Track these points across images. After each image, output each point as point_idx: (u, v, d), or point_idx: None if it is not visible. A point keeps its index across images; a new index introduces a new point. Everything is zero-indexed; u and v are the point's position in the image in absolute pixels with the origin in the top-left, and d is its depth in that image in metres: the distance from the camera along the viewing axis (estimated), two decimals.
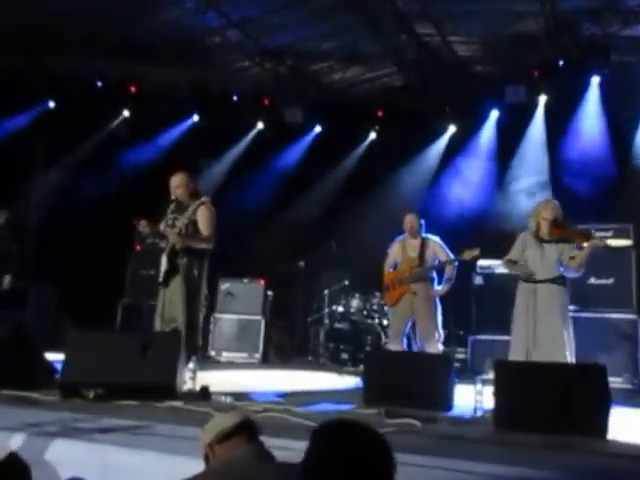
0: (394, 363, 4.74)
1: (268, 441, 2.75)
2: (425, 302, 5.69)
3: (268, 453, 1.90)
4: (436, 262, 5.82)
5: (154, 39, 7.53)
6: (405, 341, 5.87)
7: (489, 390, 3.95)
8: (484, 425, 3.91)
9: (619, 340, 6.11)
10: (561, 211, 4.91)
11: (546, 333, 4.62)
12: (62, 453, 3.02)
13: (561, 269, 4.84)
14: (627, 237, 6.51)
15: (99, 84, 8.52)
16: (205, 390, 4.64)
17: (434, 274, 5.86)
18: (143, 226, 5.13)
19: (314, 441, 1.41)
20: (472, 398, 4.26)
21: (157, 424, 3.57)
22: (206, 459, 1.95)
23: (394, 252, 5.97)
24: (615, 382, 5.73)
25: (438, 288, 5.79)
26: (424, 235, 5.87)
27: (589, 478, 2.99)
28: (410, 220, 5.84)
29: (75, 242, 8.08)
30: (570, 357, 4.67)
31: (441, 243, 5.84)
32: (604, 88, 7.75)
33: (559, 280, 4.79)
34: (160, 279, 5.11)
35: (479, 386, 4.19)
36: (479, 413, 4.17)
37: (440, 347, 5.70)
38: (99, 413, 3.77)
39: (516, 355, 4.73)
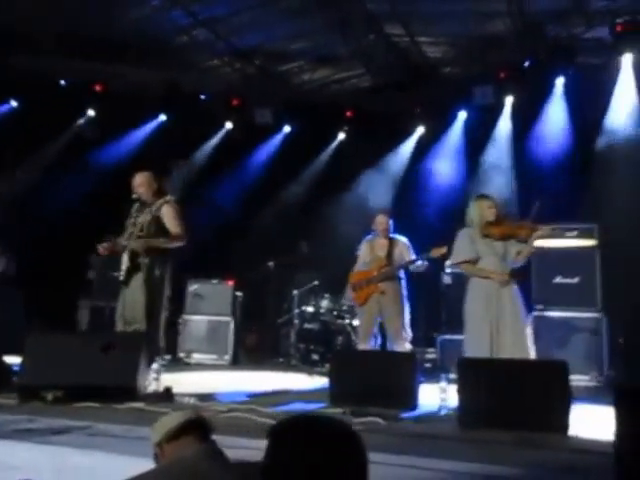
0: (360, 362, 4.74)
1: (231, 441, 2.71)
2: (393, 301, 5.69)
3: (220, 452, 1.85)
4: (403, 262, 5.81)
5: (120, 38, 7.42)
6: (374, 341, 5.85)
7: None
8: (448, 423, 3.93)
9: (584, 338, 6.18)
10: (501, 207, 4.87)
11: (511, 331, 4.57)
12: (17, 456, 2.99)
13: (510, 264, 4.80)
14: (592, 237, 6.60)
15: (62, 83, 8.33)
16: (168, 391, 4.60)
17: (402, 274, 5.86)
18: (104, 249, 5.04)
19: (271, 440, 1.34)
20: (438, 397, 4.27)
21: (115, 425, 3.52)
22: (155, 459, 1.90)
23: (363, 253, 5.97)
24: (581, 380, 5.82)
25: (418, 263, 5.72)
26: (392, 235, 5.89)
27: (550, 473, 3.02)
28: (382, 220, 5.85)
29: (42, 244, 7.90)
30: (532, 352, 4.64)
31: (408, 244, 5.85)
32: (569, 89, 7.86)
33: (514, 274, 4.75)
34: (121, 278, 5.02)
35: (443, 384, 4.20)
36: (444, 411, 4.19)
37: (408, 346, 5.69)
38: (57, 415, 3.72)
39: (475, 353, 4.60)
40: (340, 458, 1.28)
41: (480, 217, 4.75)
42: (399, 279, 5.79)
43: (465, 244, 4.78)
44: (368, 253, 5.92)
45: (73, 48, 7.55)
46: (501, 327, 4.57)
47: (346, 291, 6.23)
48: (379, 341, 5.91)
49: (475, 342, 4.66)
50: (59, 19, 7.10)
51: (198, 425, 1.88)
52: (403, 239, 5.88)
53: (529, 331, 4.67)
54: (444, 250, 5.44)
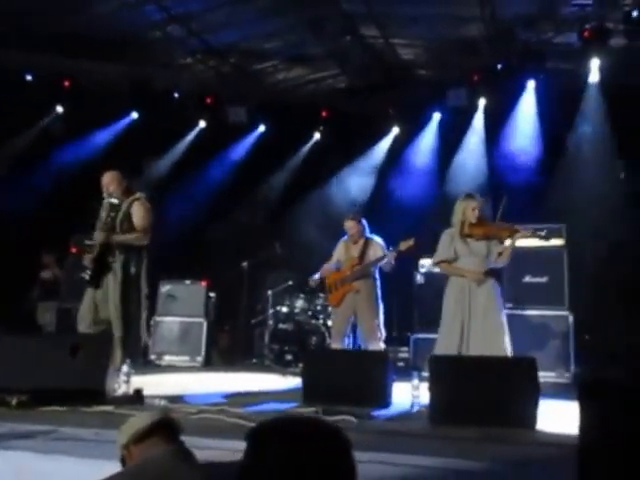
0: (332, 361, 4.74)
1: (201, 442, 2.67)
2: (367, 301, 5.71)
3: (188, 453, 1.83)
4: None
5: (90, 33, 7.26)
6: (347, 340, 5.86)
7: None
8: (420, 420, 3.95)
9: (552, 336, 6.30)
10: (484, 207, 4.90)
11: (482, 329, 4.60)
12: None
13: (490, 264, 4.86)
14: (560, 237, 6.72)
15: (29, 78, 8.14)
16: (138, 393, 4.51)
17: (376, 273, 5.87)
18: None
19: (252, 441, 1.29)
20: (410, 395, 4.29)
21: (83, 429, 3.45)
22: (122, 461, 1.87)
23: (338, 253, 6.01)
24: (549, 377, 5.92)
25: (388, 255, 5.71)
26: (368, 236, 5.91)
27: (517, 467, 3.05)
28: (350, 226, 5.87)
29: (7, 245, 7.72)
30: (509, 350, 4.63)
31: (382, 244, 5.86)
32: (540, 93, 8.00)
33: (490, 273, 4.79)
34: (87, 278, 4.93)
35: (415, 382, 4.22)
36: (416, 409, 4.21)
37: (382, 346, 5.71)
38: (21, 420, 3.63)
39: (445, 350, 4.64)
40: (326, 458, 1.25)
41: (462, 217, 4.81)
42: (373, 279, 5.81)
43: (445, 244, 4.86)
44: (343, 253, 5.96)
45: (41, 43, 7.39)
46: (473, 325, 4.60)
47: (317, 274, 6.18)
48: (351, 340, 5.92)
49: (444, 339, 4.72)
50: (26, 13, 6.94)
51: (166, 426, 1.86)
52: (377, 239, 5.91)
53: (505, 329, 4.66)
54: (411, 242, 5.54)
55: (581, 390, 2.41)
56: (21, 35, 7.22)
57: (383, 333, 5.75)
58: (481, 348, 4.51)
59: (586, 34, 6.91)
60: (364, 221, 5.94)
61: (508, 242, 4.77)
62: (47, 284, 8.04)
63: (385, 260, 5.71)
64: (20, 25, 7.09)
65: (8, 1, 6.68)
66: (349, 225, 5.87)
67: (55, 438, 3.30)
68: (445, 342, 4.68)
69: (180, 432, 1.88)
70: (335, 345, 5.83)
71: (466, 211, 4.80)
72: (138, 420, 1.87)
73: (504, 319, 4.70)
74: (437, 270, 6.89)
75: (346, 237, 5.99)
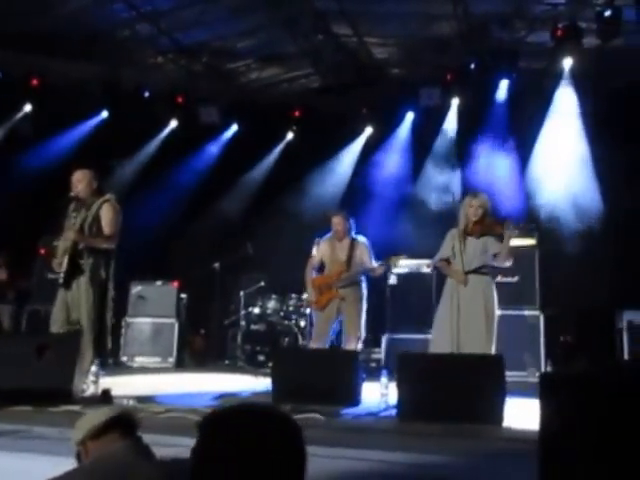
0: (302, 361, 4.74)
1: (168, 440, 2.65)
2: (353, 305, 5.54)
3: (145, 447, 1.79)
4: (363, 266, 5.60)
5: (58, 31, 7.14)
6: (327, 342, 5.70)
7: None
8: (388, 417, 3.97)
9: (524, 336, 6.35)
10: (488, 204, 4.86)
11: (469, 329, 4.59)
12: None
13: (494, 263, 4.83)
14: (531, 237, 6.80)
15: None
16: (106, 394, 4.47)
17: (363, 277, 5.67)
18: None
19: (202, 430, 1.28)
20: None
21: (49, 428, 3.41)
22: (78, 458, 1.83)
23: (321, 252, 5.69)
24: (520, 375, 5.98)
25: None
26: (353, 236, 5.64)
27: (485, 461, 3.08)
28: (337, 222, 5.60)
29: None
30: (493, 349, 4.62)
31: (368, 245, 5.64)
32: (512, 92, 8.05)
33: (481, 270, 4.76)
34: (60, 280, 4.86)
35: (384, 380, 4.24)
36: (384, 406, 4.22)
37: (360, 346, 5.61)
38: None
39: (437, 350, 4.68)
40: (274, 443, 1.24)
41: (463, 216, 4.82)
42: (360, 283, 5.61)
43: (445, 244, 4.91)
44: (327, 254, 5.66)
45: (9, 40, 7.24)
46: (461, 324, 4.59)
47: (307, 290, 5.91)
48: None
49: (436, 340, 4.75)
50: None
51: (123, 421, 1.81)
52: (363, 240, 5.66)
53: (491, 325, 4.64)
54: (402, 258, 5.61)
55: (542, 384, 2.44)
56: None
57: (363, 334, 5.61)
58: (468, 348, 4.50)
59: (559, 33, 6.92)
60: (351, 219, 5.69)
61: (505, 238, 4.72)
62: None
63: (374, 272, 5.57)
64: None
65: None
66: (336, 221, 5.59)
67: (23, 437, 3.29)
68: (437, 341, 4.71)
69: (138, 428, 1.84)
70: (315, 345, 5.63)
71: (467, 209, 4.81)
72: (94, 415, 1.82)
73: (491, 319, 4.65)
74: (413, 270, 7.01)
75: (328, 235, 5.70)
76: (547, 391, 2.43)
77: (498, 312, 4.78)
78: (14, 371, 4.20)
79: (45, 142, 8.36)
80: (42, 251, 7.73)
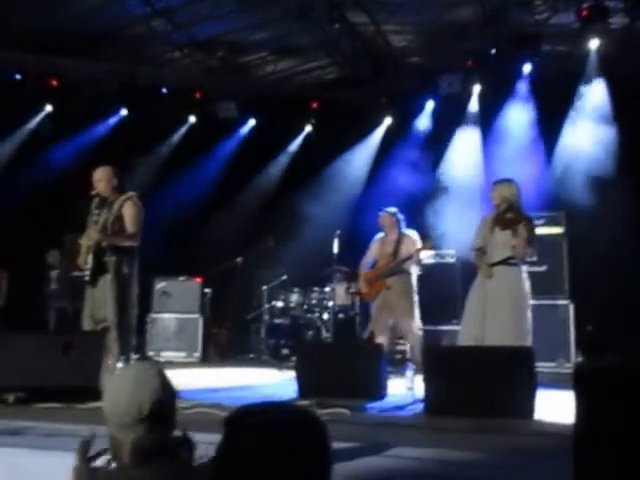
0: (326, 354, 4.71)
1: (195, 436, 2.63)
2: (400, 296, 5.70)
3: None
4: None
5: (74, 30, 7.17)
6: (389, 334, 5.85)
7: None
8: (415, 412, 3.91)
9: (553, 325, 6.23)
10: (516, 193, 4.77)
11: (495, 321, 4.53)
12: None
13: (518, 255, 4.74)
14: (559, 225, 6.66)
15: (18, 77, 8.07)
16: None
17: (411, 268, 5.81)
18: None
19: (227, 427, 1.27)
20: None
21: (77, 425, 3.44)
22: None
23: (373, 251, 5.99)
24: (549, 367, 5.87)
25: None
26: (402, 231, 5.86)
27: (515, 457, 3.01)
28: (383, 219, 5.88)
29: (2, 246, 7.68)
30: (526, 340, 4.53)
31: (416, 239, 5.82)
32: (536, 77, 7.85)
33: (509, 261, 4.67)
34: (87, 278, 4.90)
35: (410, 373, 4.18)
36: (411, 400, 4.17)
37: (418, 338, 5.64)
38: (17, 417, 3.63)
39: (465, 343, 4.65)
40: (298, 441, 1.23)
41: (495, 203, 4.77)
42: (407, 274, 5.78)
43: (476, 232, 4.88)
44: (378, 250, 5.93)
45: (27, 41, 7.30)
46: (488, 317, 4.53)
47: (359, 284, 6.21)
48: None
49: (464, 332, 4.71)
50: (11, 11, 6.85)
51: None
52: (412, 235, 5.86)
53: (519, 316, 4.56)
54: (430, 244, 5.73)
55: (576, 377, 2.36)
56: (8, 34, 7.14)
57: (419, 325, 5.72)
58: (496, 340, 4.42)
59: (584, 13, 6.74)
60: (400, 215, 5.90)
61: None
62: None
63: (412, 258, 5.69)
64: (5, 24, 7.00)
65: None
66: (382, 218, 5.88)
67: (51, 434, 3.32)
68: (465, 334, 4.68)
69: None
70: (379, 338, 5.77)
71: (496, 197, 4.75)
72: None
73: (521, 310, 4.57)
74: (440, 261, 6.96)
75: (381, 234, 5.98)
76: (582, 385, 2.36)
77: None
78: (42, 369, 4.26)
79: (66, 141, 8.44)
80: (68, 249, 7.83)
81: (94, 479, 1.69)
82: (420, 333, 5.71)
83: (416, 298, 5.76)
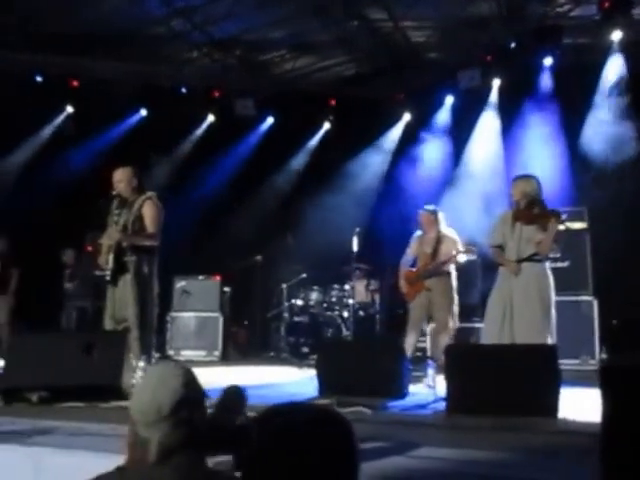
0: (347, 353, 4.69)
1: None
2: (441, 296, 5.68)
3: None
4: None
5: (94, 31, 7.25)
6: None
7: None
8: (437, 410, 3.87)
9: (576, 322, 6.13)
10: (536, 188, 4.68)
11: (523, 318, 4.46)
12: None
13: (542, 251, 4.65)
14: (582, 220, 6.55)
15: (39, 79, 8.19)
16: None
17: (451, 267, 5.77)
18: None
19: (254, 430, 1.29)
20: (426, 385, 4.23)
21: (101, 424, 3.46)
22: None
23: (412, 249, 5.93)
24: (573, 363, 5.78)
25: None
26: (442, 231, 5.78)
27: (539, 456, 2.96)
28: (422, 218, 5.82)
29: (24, 245, 7.79)
30: (550, 337, 4.47)
31: (455, 239, 5.74)
32: (557, 70, 7.73)
33: (534, 257, 4.59)
34: (108, 278, 4.94)
35: (431, 372, 4.15)
36: (433, 399, 4.13)
37: (448, 337, 5.60)
38: (41, 416, 3.67)
39: (488, 340, 4.58)
40: (325, 442, 1.24)
41: (516, 199, 4.67)
42: (447, 274, 5.74)
43: (495, 228, 4.78)
44: (416, 249, 5.88)
45: (47, 43, 7.39)
46: (515, 314, 4.45)
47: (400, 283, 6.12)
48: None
49: (487, 330, 4.65)
50: (31, 13, 6.94)
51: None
52: (452, 235, 5.79)
53: (546, 314, 4.48)
54: (472, 248, 5.64)
55: (603, 376, 2.31)
56: (28, 36, 7.24)
57: (456, 324, 5.70)
58: (522, 337, 4.35)
59: (606, 5, 6.63)
60: (440, 214, 5.83)
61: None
62: None
63: (451, 260, 5.67)
64: (26, 26, 7.10)
65: (14, 2, 6.67)
66: (421, 217, 5.82)
67: (75, 433, 3.33)
68: (488, 332, 4.61)
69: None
70: (409, 336, 5.80)
71: (516, 193, 4.66)
72: None
73: (547, 307, 4.50)
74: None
75: (420, 232, 5.91)
76: (608, 382, 2.31)
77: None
78: (64, 369, 4.29)
79: (86, 142, 8.53)
80: (89, 248, 7.91)
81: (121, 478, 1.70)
82: (452, 334, 5.67)
83: (456, 298, 5.74)
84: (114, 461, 2.45)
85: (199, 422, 1.68)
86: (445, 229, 5.81)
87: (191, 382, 1.68)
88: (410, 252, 5.93)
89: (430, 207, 5.90)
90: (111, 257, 4.87)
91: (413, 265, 5.95)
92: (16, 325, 7.14)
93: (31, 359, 4.36)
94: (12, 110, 7.55)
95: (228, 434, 1.85)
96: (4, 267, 7.43)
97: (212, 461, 2.18)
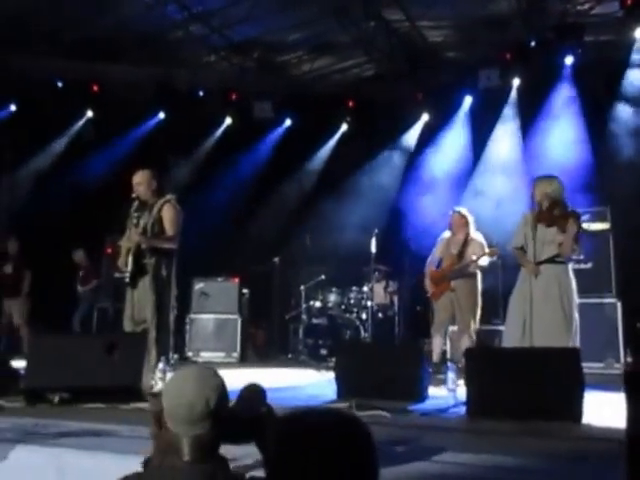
0: (365, 355, 4.64)
1: None
2: (465, 297, 5.69)
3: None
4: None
5: (114, 36, 7.33)
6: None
7: None
8: (457, 414, 3.82)
9: (600, 325, 6.02)
10: (558, 189, 4.61)
11: (544, 321, 4.38)
12: (20, 459, 2.92)
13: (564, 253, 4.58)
14: (604, 220, 6.44)
15: (60, 85, 8.30)
16: None
17: (476, 269, 5.77)
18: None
19: (278, 435, 1.30)
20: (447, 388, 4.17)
21: (120, 426, 3.47)
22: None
23: (438, 250, 5.95)
24: (597, 367, 5.67)
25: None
26: (471, 233, 5.81)
27: (563, 462, 2.90)
28: (453, 219, 5.86)
29: (45, 247, 7.89)
30: (573, 340, 4.40)
31: (483, 243, 5.75)
32: (578, 68, 7.62)
33: (556, 259, 4.52)
34: (127, 280, 4.97)
35: (451, 375, 4.10)
36: (453, 403, 4.08)
37: (470, 339, 5.59)
38: (62, 417, 3.69)
39: (510, 343, 4.53)
40: (343, 448, 1.23)
41: (538, 200, 4.61)
42: (473, 276, 5.75)
43: (517, 230, 4.74)
44: (443, 249, 5.90)
45: (68, 49, 7.49)
46: (535, 316, 4.37)
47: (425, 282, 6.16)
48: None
49: (508, 332, 4.60)
50: (52, 19, 7.03)
51: None
52: (479, 238, 5.80)
53: (568, 315, 4.40)
54: (496, 250, 5.61)
55: (628, 380, 2.26)
56: (50, 43, 7.34)
57: (477, 326, 5.70)
58: (544, 340, 4.28)
59: (628, 2, 6.54)
60: (470, 217, 5.85)
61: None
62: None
63: (475, 263, 5.66)
64: (48, 33, 7.20)
65: (32, 9, 6.76)
66: (453, 218, 5.85)
67: (95, 434, 3.34)
68: (509, 334, 4.56)
69: None
70: (435, 337, 5.86)
71: (537, 194, 4.60)
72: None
73: (569, 309, 4.43)
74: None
75: (447, 233, 5.93)
76: (633, 386, 2.25)
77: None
78: (85, 369, 4.31)
79: (107, 145, 8.63)
80: (109, 251, 7.99)
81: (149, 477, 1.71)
82: (473, 336, 5.64)
83: (480, 300, 5.73)
84: (134, 463, 2.45)
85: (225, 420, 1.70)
86: (474, 233, 5.82)
87: (224, 385, 1.71)
88: (437, 252, 5.94)
89: (462, 209, 5.90)
90: (130, 259, 4.91)
91: (438, 266, 5.94)
92: (33, 326, 7.23)
93: (52, 360, 4.37)
94: (34, 115, 7.68)
95: (245, 424, 1.86)
96: (16, 269, 7.54)
97: (235, 465, 2.17)
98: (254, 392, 2.01)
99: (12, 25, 7.14)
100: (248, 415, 1.89)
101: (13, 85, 8.11)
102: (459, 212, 5.85)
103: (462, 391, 3.92)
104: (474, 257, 5.67)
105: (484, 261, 5.68)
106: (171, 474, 1.67)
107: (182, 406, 1.62)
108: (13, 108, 8.51)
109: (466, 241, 5.75)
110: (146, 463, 1.83)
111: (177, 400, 1.64)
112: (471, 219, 5.83)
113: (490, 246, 5.63)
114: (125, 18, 7.14)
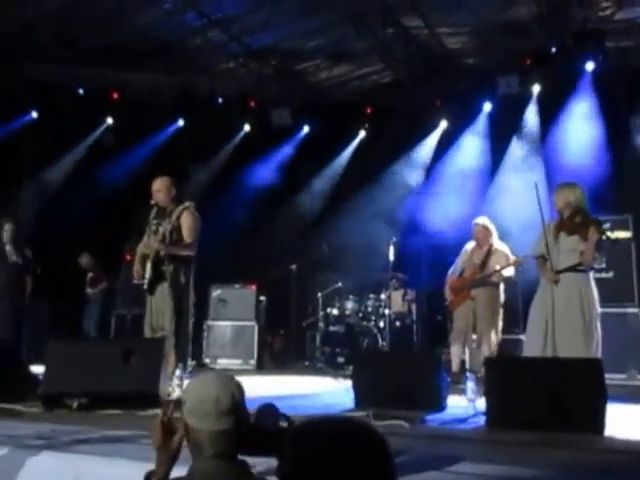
0: (383, 364, 4.60)
1: None
2: (485, 307, 5.66)
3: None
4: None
5: (134, 43, 7.42)
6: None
7: None
8: (476, 425, 3.77)
9: (622, 335, 5.91)
10: (580, 197, 4.54)
11: (565, 330, 4.30)
12: (38, 465, 2.95)
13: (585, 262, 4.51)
14: (626, 229, 6.33)
15: (81, 92, 8.42)
16: None
17: (499, 279, 5.74)
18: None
19: (292, 443, 1.29)
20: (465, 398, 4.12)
21: (137, 432, 3.48)
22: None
23: (462, 260, 5.95)
24: (619, 378, 5.57)
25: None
26: (494, 244, 5.79)
27: (584, 475, 2.84)
28: (476, 230, 5.83)
29: (65, 253, 7.98)
30: (595, 350, 4.33)
31: (507, 254, 5.71)
32: (599, 75, 7.52)
33: (577, 267, 4.44)
34: (145, 287, 5.00)
35: (471, 384, 4.04)
36: (472, 413, 4.03)
37: (488, 349, 5.54)
38: (81, 423, 3.70)
39: (530, 352, 4.45)
40: (360, 458, 1.23)
41: (559, 208, 4.58)
42: (494, 286, 5.72)
43: (538, 239, 4.67)
44: (467, 259, 5.90)
45: (89, 56, 7.59)
46: (557, 326, 4.29)
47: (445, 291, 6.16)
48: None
49: (529, 342, 4.54)
50: (72, 27, 7.14)
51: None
52: (503, 249, 5.77)
53: (589, 325, 4.34)
54: (521, 260, 5.52)
55: None
56: (70, 51, 7.45)
57: (499, 337, 5.66)
58: (565, 349, 4.20)
59: None
60: (492, 227, 5.83)
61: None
62: None
63: (506, 273, 5.62)
64: (68, 41, 7.30)
65: (53, 17, 6.87)
66: (477, 230, 5.82)
67: (113, 441, 3.35)
68: (530, 344, 4.49)
69: None
70: (454, 346, 5.83)
71: (559, 202, 4.55)
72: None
73: (590, 318, 4.36)
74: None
75: (472, 243, 5.92)
76: None
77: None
78: (105, 375, 4.33)
79: (127, 152, 8.71)
80: (128, 257, 8.05)
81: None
82: (495, 346, 5.59)
83: (501, 311, 5.68)
84: (149, 469, 2.45)
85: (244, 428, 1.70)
86: (498, 243, 5.78)
87: (242, 389, 1.73)
88: (460, 263, 5.92)
89: (484, 220, 5.86)
90: (149, 266, 4.94)
91: (460, 276, 5.93)
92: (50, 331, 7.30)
93: (70, 365, 4.40)
94: (55, 122, 7.79)
95: (264, 437, 1.86)
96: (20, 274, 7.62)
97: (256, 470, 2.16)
98: (269, 408, 2.00)
99: (33, 33, 7.27)
100: (270, 429, 1.89)
101: (34, 92, 8.24)
102: (482, 224, 5.80)
103: (482, 401, 3.87)
104: (497, 267, 5.61)
105: (508, 272, 5.62)
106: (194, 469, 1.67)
107: (208, 402, 1.64)
108: (34, 115, 8.63)
109: (490, 251, 5.73)
110: (148, 477, 1.84)
111: (202, 396, 1.65)
112: (494, 229, 5.79)
113: (517, 257, 5.56)
114: (144, 25, 7.22)
